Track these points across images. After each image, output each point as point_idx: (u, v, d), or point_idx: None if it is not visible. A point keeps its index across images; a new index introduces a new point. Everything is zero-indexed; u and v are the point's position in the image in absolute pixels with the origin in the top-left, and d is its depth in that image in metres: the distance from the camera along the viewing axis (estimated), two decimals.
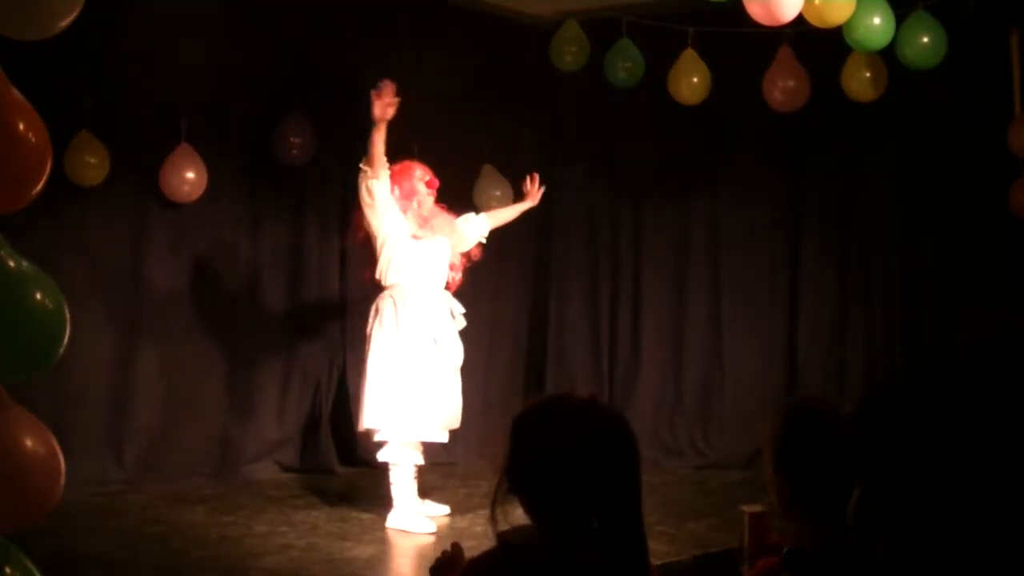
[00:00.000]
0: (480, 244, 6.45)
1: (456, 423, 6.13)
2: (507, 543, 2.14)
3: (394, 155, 5.94)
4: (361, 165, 5.96)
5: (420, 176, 6.12)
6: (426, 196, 6.13)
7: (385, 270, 6.03)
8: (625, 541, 2.14)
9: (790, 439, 2.25)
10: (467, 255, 6.41)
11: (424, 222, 6.10)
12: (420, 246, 6.05)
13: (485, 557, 2.19)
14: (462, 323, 6.18)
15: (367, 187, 5.94)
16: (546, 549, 2.12)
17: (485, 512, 2.28)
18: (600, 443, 2.14)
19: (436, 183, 6.19)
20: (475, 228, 6.41)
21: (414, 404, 5.89)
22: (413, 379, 5.89)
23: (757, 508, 2.65)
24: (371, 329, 6.01)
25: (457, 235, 6.28)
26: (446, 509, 6.30)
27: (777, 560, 2.14)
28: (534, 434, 2.18)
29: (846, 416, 2.17)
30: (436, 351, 5.97)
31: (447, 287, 6.21)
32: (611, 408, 2.24)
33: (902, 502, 1.37)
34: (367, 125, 5.70)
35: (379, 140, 5.88)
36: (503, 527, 2.17)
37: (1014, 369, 1.45)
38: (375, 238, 6.05)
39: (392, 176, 6.00)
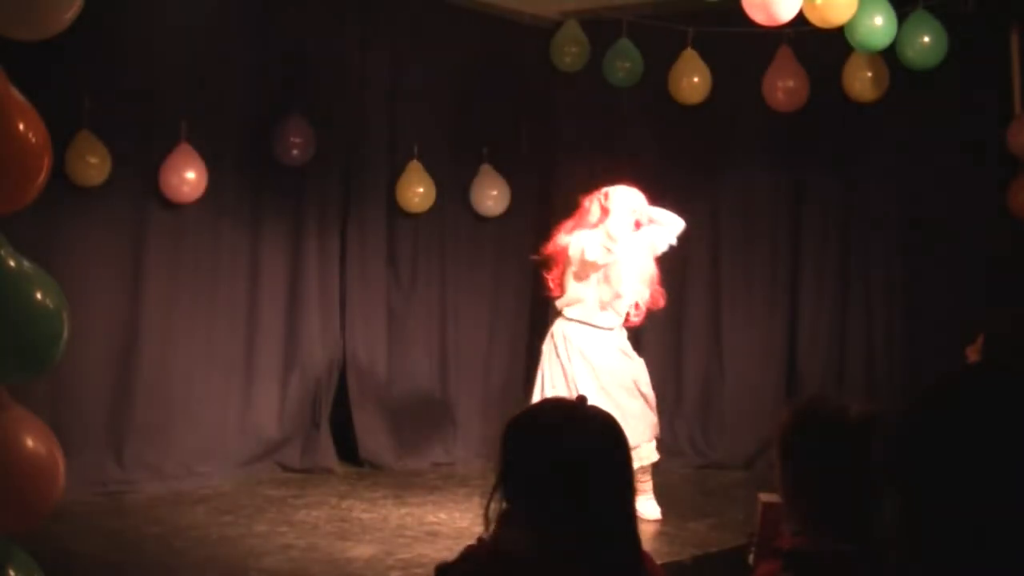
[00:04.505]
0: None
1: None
2: (501, 549, 2.13)
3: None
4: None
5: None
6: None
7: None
8: (618, 542, 2.15)
9: (797, 437, 2.25)
10: None
11: None
12: None
13: (471, 555, 2.17)
14: None
15: None
16: (540, 555, 2.11)
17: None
18: (592, 446, 2.17)
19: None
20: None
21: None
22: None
23: (774, 498, 2.63)
24: None
25: None
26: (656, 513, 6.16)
27: (778, 564, 2.13)
28: (526, 440, 2.21)
29: (855, 416, 2.17)
30: None
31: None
32: (601, 411, 2.27)
33: (945, 516, 1.34)
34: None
35: None
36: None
37: None
38: None
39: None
